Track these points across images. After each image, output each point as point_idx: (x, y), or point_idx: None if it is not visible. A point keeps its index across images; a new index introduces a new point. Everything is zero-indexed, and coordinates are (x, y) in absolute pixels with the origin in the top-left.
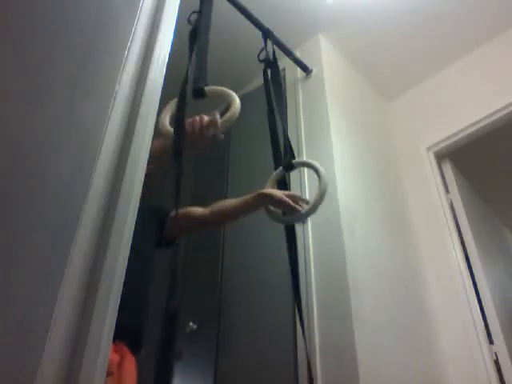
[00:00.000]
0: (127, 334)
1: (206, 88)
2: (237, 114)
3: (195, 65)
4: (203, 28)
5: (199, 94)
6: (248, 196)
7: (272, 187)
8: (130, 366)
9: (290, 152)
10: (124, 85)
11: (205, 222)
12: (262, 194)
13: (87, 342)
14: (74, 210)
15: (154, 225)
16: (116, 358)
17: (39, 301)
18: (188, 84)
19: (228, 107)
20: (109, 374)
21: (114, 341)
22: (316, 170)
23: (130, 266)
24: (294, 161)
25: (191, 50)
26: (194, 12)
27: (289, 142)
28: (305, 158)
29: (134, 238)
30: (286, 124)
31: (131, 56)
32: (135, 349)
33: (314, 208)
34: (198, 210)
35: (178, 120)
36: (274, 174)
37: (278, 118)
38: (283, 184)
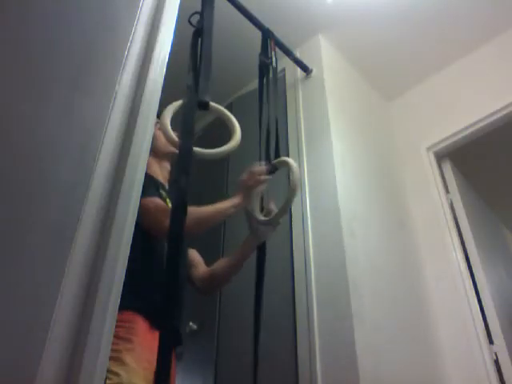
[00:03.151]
0: (175, 334)
1: (211, 104)
2: (237, 145)
3: (203, 74)
4: (207, 33)
5: (204, 106)
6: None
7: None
8: (174, 367)
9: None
10: (124, 85)
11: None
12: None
13: (87, 341)
14: (74, 210)
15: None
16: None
17: (39, 301)
18: (194, 93)
19: (230, 136)
20: None
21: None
22: (288, 165)
23: (182, 271)
24: (273, 162)
25: (194, 54)
26: (196, 13)
27: (277, 145)
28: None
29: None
30: (276, 126)
31: (131, 56)
32: (175, 348)
33: (285, 208)
34: (199, 272)
35: (184, 130)
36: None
37: (271, 119)
38: None
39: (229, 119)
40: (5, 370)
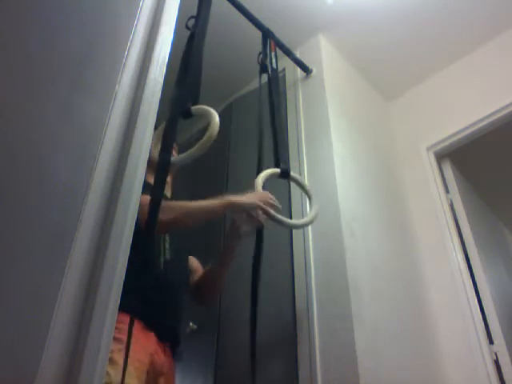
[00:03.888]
0: (172, 334)
1: (193, 108)
2: (214, 135)
3: (187, 82)
4: (199, 36)
5: (187, 114)
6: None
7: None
8: (173, 366)
9: (288, 159)
10: (124, 85)
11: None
12: (229, 204)
13: (87, 342)
14: (74, 210)
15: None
16: (168, 360)
17: (39, 301)
18: (178, 102)
19: (207, 126)
20: (161, 373)
21: (163, 342)
22: (307, 194)
23: (180, 272)
24: (292, 174)
25: (184, 59)
26: (192, 17)
27: (287, 146)
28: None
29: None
30: (283, 128)
31: (131, 56)
32: (173, 348)
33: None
34: (193, 279)
35: (163, 144)
36: (265, 174)
37: (277, 121)
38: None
39: (208, 112)
40: (5, 370)
